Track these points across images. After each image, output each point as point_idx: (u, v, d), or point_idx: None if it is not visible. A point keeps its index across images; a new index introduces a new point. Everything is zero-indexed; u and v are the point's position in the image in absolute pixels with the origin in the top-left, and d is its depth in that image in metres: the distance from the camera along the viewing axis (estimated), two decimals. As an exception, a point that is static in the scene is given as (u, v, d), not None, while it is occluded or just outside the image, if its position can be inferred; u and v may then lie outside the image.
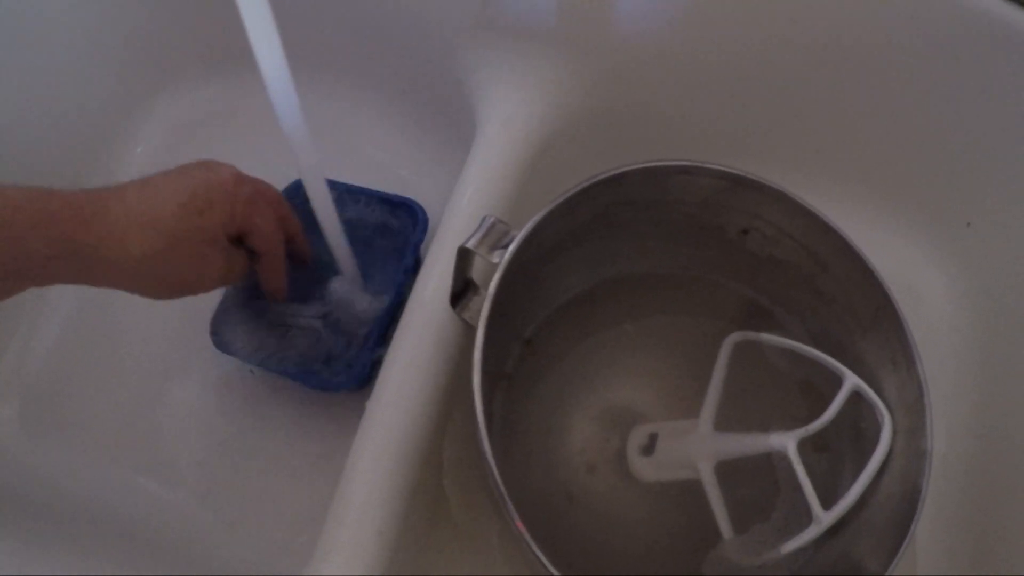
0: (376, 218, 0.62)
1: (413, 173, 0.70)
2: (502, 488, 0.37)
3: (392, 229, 0.62)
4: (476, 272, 0.48)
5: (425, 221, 0.61)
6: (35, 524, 0.60)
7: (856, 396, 0.49)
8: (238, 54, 0.75)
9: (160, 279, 0.49)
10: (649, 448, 0.52)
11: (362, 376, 0.57)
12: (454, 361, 0.50)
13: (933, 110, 0.59)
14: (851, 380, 0.49)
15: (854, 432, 0.50)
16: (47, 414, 0.66)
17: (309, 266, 0.60)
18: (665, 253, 0.53)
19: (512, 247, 0.42)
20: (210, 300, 0.62)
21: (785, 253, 0.50)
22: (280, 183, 0.71)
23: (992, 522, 0.55)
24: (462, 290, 0.49)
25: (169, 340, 0.67)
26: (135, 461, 0.64)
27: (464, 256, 0.45)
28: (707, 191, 0.48)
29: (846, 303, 0.50)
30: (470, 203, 0.52)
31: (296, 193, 0.65)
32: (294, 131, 0.45)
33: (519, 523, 0.36)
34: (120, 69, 0.74)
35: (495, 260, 0.43)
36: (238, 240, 0.53)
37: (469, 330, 0.50)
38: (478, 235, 0.44)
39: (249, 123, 0.76)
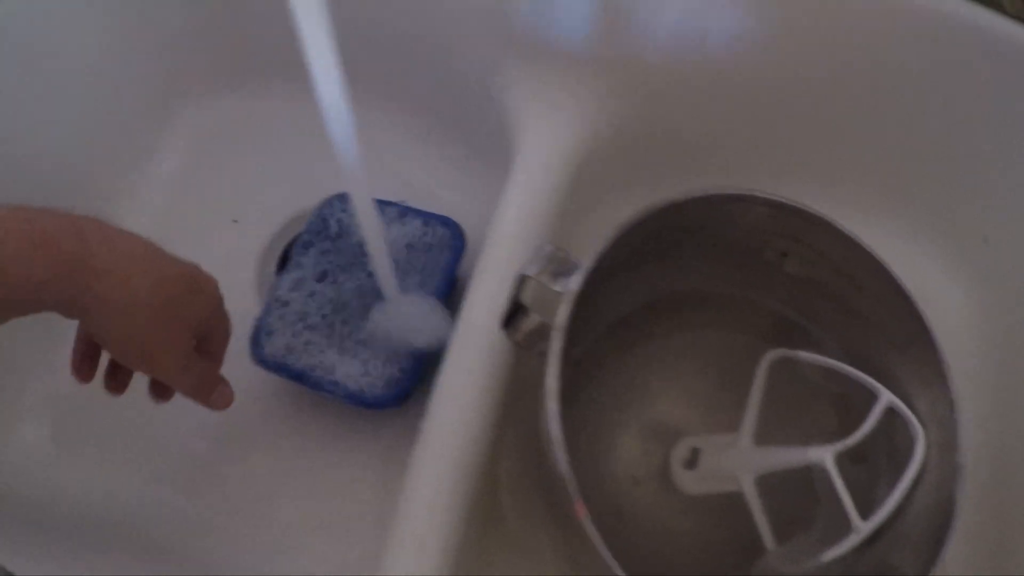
0: (412, 234, 0.63)
1: (446, 190, 0.71)
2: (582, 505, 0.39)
3: (428, 247, 0.63)
4: (526, 295, 0.49)
5: (463, 240, 0.62)
6: (74, 537, 0.61)
7: (890, 411, 0.51)
8: (262, 67, 0.77)
9: (138, 333, 0.47)
10: (692, 462, 0.54)
11: (402, 394, 0.58)
12: (505, 380, 0.51)
13: (950, 128, 0.61)
14: (886, 397, 0.51)
15: (889, 445, 0.52)
16: (79, 432, 0.66)
17: (350, 284, 0.61)
18: (706, 273, 0.55)
19: (580, 278, 0.43)
20: (247, 315, 0.63)
21: (822, 274, 0.52)
22: (306, 196, 0.73)
23: (1009, 531, 0.57)
24: (513, 313, 0.50)
25: None
26: (166, 477, 0.65)
27: (521, 282, 0.47)
28: (753, 216, 0.50)
29: (880, 322, 0.52)
30: (514, 225, 0.54)
31: (331, 208, 0.67)
32: (347, 155, 0.46)
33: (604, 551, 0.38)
34: (144, 81, 0.75)
35: (557, 288, 0.44)
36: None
37: (519, 351, 0.51)
38: (538, 263, 0.45)
39: (274, 136, 0.77)
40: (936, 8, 0.55)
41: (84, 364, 0.53)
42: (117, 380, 0.55)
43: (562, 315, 0.42)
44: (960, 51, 0.57)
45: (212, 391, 0.55)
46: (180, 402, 0.66)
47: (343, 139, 0.45)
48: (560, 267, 0.45)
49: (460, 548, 0.48)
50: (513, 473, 0.54)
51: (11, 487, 0.63)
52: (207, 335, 0.53)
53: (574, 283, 0.43)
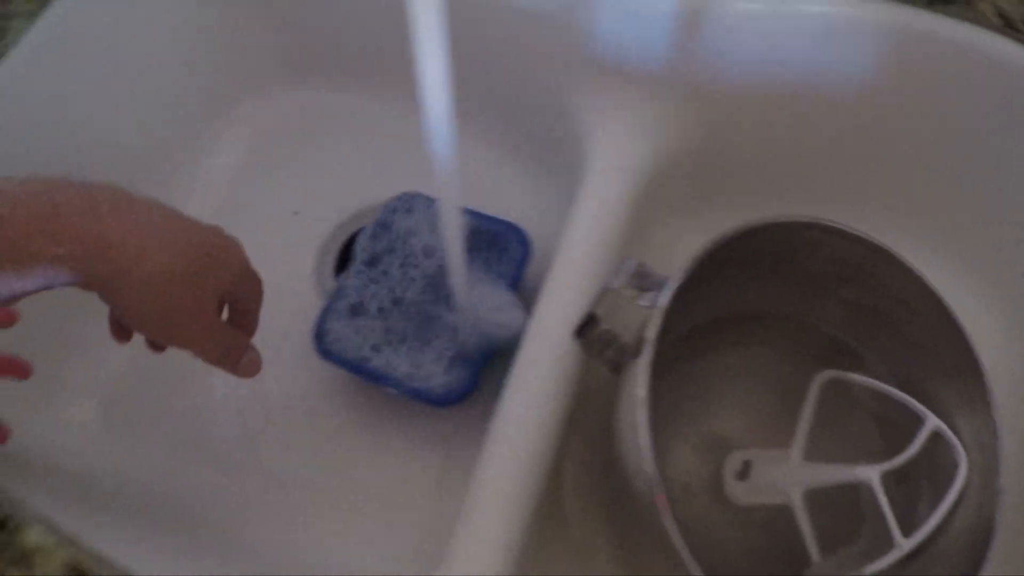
0: (479, 238, 0.65)
1: (514, 197, 0.72)
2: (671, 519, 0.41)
3: (495, 251, 0.64)
4: (603, 306, 0.51)
5: (529, 247, 0.64)
6: (117, 512, 0.61)
7: (934, 435, 0.54)
8: (329, 62, 0.78)
9: (159, 305, 0.46)
10: (744, 473, 0.56)
11: (463, 393, 0.60)
12: (573, 387, 0.53)
13: (993, 168, 0.64)
14: (932, 422, 0.53)
15: (931, 467, 0.55)
16: (127, 411, 0.67)
17: (415, 283, 0.62)
18: (767, 294, 0.57)
19: (669, 294, 0.45)
20: (306, 305, 0.64)
21: (878, 301, 0.55)
22: (368, 192, 0.74)
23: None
24: (586, 322, 0.52)
25: (264, 342, 0.68)
26: (212, 459, 0.66)
27: (602, 293, 0.49)
28: (819, 243, 0.52)
29: (930, 350, 0.54)
30: (584, 237, 0.56)
31: (398, 206, 0.68)
32: (444, 159, 0.47)
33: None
34: (211, 73, 0.76)
35: (643, 303, 0.46)
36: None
37: (588, 359, 0.53)
38: (623, 277, 0.47)
39: (337, 132, 0.78)
40: (999, 57, 0.57)
41: (118, 325, 0.52)
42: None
43: (652, 329, 0.44)
44: (993, 98, 0.59)
45: (239, 359, 0.53)
46: (231, 386, 0.68)
47: (442, 143, 0.46)
48: (643, 281, 0.47)
49: (523, 548, 0.50)
50: (577, 477, 0.56)
51: (59, 463, 0.64)
52: (237, 299, 0.53)
53: (664, 298, 0.45)
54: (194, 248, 0.46)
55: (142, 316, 0.47)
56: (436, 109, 0.44)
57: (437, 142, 0.46)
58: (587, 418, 0.58)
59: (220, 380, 0.67)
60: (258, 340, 0.66)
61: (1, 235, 0.39)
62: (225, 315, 0.54)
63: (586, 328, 0.52)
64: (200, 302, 0.48)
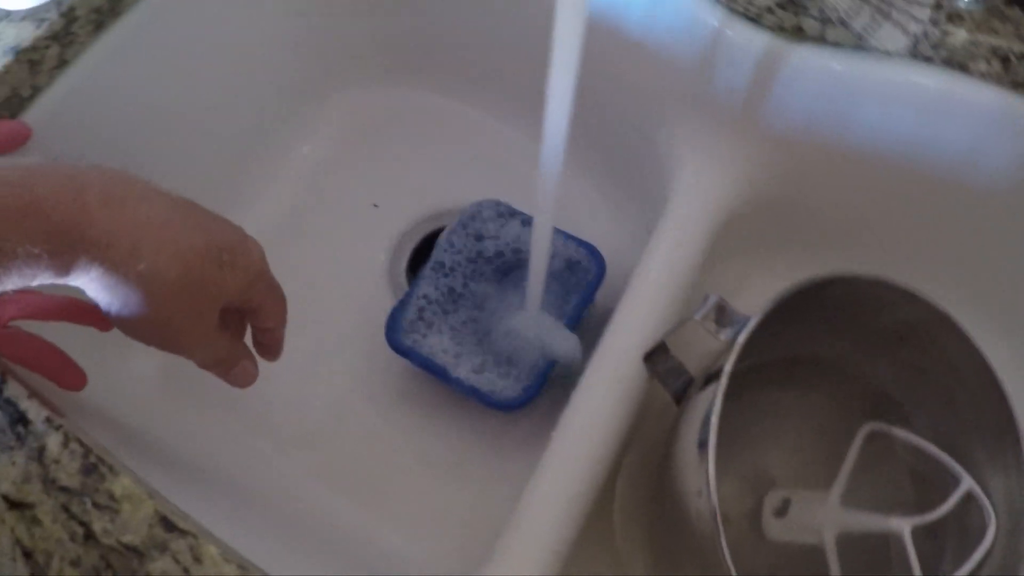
0: (559, 255, 0.67)
1: (594, 219, 0.75)
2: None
3: (573, 269, 0.67)
4: (678, 336, 0.54)
5: (604, 269, 0.66)
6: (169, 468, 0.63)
7: (967, 495, 0.56)
8: (425, 62, 0.80)
9: (148, 311, 0.41)
10: (782, 510, 0.59)
11: (527, 400, 0.63)
12: (634, 407, 0.56)
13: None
14: (967, 483, 0.56)
15: (959, 525, 0.57)
16: (188, 371, 0.69)
17: (489, 288, 0.65)
18: (826, 342, 0.59)
19: (747, 331, 0.47)
20: (376, 295, 0.65)
21: (932, 363, 0.57)
22: (448, 194, 0.77)
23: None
24: (656, 348, 0.55)
25: (333, 329, 0.71)
26: (268, 432, 0.68)
27: (680, 324, 0.51)
28: (885, 301, 0.55)
29: (974, 413, 0.57)
30: (661, 267, 0.58)
31: (481, 212, 0.71)
32: (549, 177, 0.50)
33: None
34: (308, 63, 0.78)
35: (722, 337, 0.49)
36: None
37: (651, 384, 0.56)
38: (705, 310, 0.50)
39: (425, 131, 0.80)
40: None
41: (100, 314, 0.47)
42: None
43: (730, 362, 0.47)
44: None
45: (232, 368, 0.49)
46: (297, 367, 0.69)
47: (551, 162, 0.48)
48: (723, 317, 0.50)
49: (568, 558, 0.52)
50: (626, 493, 0.59)
51: (120, 413, 0.66)
52: (252, 311, 0.49)
53: (744, 335, 0.47)
54: (196, 252, 0.42)
55: (130, 320, 0.42)
56: (554, 132, 0.46)
57: (546, 161, 0.48)
58: (643, 439, 0.60)
59: (286, 361, 0.69)
60: (327, 326, 0.69)
61: None
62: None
63: (656, 354, 0.55)
64: (195, 311, 0.43)
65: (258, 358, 0.52)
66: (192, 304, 0.43)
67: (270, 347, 0.52)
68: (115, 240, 0.38)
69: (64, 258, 0.38)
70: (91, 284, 0.40)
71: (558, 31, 0.43)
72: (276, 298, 0.49)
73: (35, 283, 0.38)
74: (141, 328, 0.43)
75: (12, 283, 0.37)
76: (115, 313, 0.42)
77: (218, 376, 0.49)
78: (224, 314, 0.47)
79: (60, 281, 0.39)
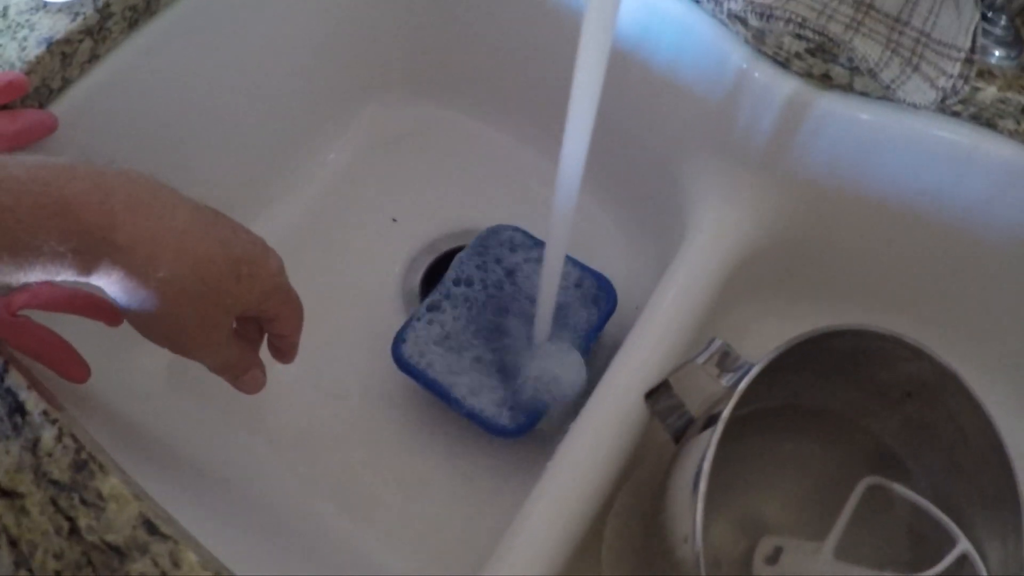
0: (569, 284, 0.67)
1: (608, 250, 0.75)
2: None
3: (583, 299, 0.67)
4: (680, 376, 0.53)
5: (615, 302, 0.66)
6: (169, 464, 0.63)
7: (962, 556, 0.56)
8: (449, 82, 0.80)
9: (164, 316, 0.43)
10: (773, 558, 0.58)
11: (526, 428, 0.62)
12: (631, 444, 0.56)
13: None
14: (963, 545, 0.55)
15: (952, 585, 0.57)
16: (196, 372, 0.70)
17: (499, 314, 0.65)
18: (830, 392, 0.59)
19: (749, 378, 0.47)
20: (388, 309, 0.65)
21: (936, 420, 0.57)
22: (467, 214, 0.77)
23: None
24: (658, 387, 0.55)
25: (343, 339, 0.71)
26: (269, 434, 0.68)
27: (683, 365, 0.51)
28: (893, 356, 0.54)
29: (975, 476, 0.56)
30: (671, 306, 0.58)
31: (497, 235, 0.71)
32: (563, 209, 0.50)
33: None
34: (335, 73, 0.79)
35: (724, 383, 0.48)
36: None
37: (651, 421, 0.56)
38: (708, 354, 0.50)
39: (449, 149, 0.81)
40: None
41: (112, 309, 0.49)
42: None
43: (728, 408, 0.46)
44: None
45: (241, 375, 0.51)
46: (303, 374, 0.70)
47: (566, 192, 0.48)
48: (726, 362, 0.49)
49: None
50: (617, 531, 0.58)
51: (123, 406, 0.66)
52: (268, 320, 0.50)
53: (745, 382, 0.47)
54: (214, 262, 0.43)
55: (144, 321, 0.44)
56: (571, 163, 0.46)
57: (562, 191, 0.48)
58: (639, 476, 0.60)
59: (293, 368, 0.70)
60: (336, 335, 0.69)
61: (2, 225, 0.36)
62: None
63: (658, 392, 0.55)
64: (209, 320, 0.45)
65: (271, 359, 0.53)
66: (207, 313, 0.44)
67: (285, 352, 0.54)
68: (137, 246, 0.40)
69: (87, 258, 0.39)
70: (111, 285, 0.41)
71: (581, 62, 0.43)
72: (292, 308, 0.50)
73: (57, 279, 0.39)
74: (155, 330, 0.44)
75: (35, 276, 0.39)
76: (131, 314, 0.43)
77: (227, 381, 0.51)
78: (241, 322, 0.49)
79: (82, 279, 0.40)
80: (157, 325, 0.44)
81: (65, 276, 0.39)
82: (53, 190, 0.37)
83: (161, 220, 0.41)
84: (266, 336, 0.54)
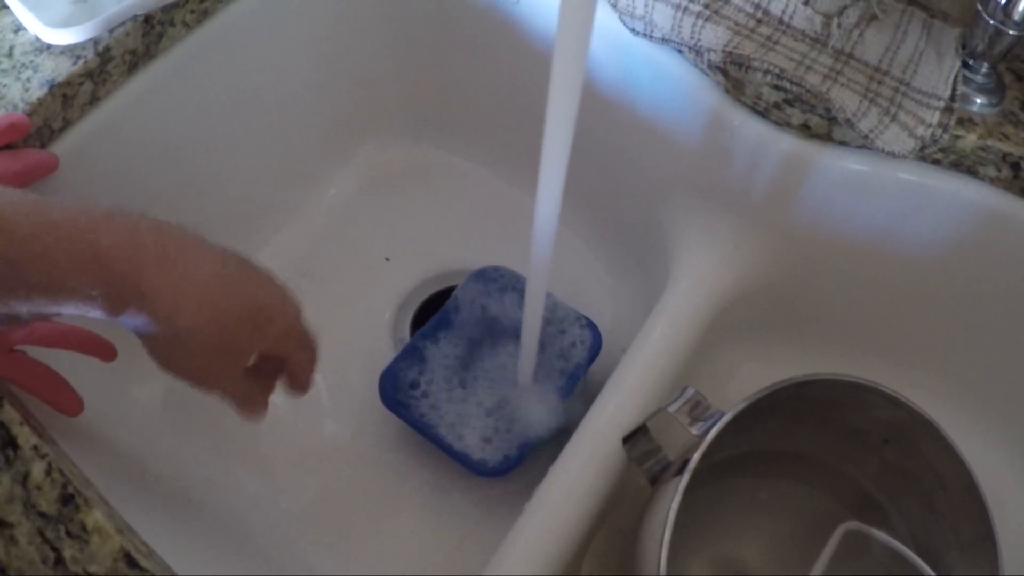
0: (554, 326, 0.68)
1: (593, 290, 0.76)
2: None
3: (568, 342, 0.68)
4: (656, 422, 0.54)
5: (600, 345, 0.67)
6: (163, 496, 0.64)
7: (938, 602, 0.56)
8: (446, 125, 0.82)
9: (185, 357, 0.46)
10: (749, 601, 0.59)
11: (507, 468, 0.63)
12: (609, 487, 0.56)
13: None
14: (940, 592, 0.56)
15: (927, 633, 0.57)
16: (188, 402, 0.71)
17: (486, 355, 0.66)
18: (809, 439, 0.60)
19: (717, 428, 0.48)
20: (377, 346, 0.66)
21: (914, 467, 0.57)
22: (460, 254, 0.78)
23: None
24: (635, 432, 0.55)
25: (332, 377, 0.72)
26: (261, 472, 0.69)
27: (657, 412, 0.52)
28: (870, 404, 0.55)
29: (953, 522, 0.57)
30: (654, 351, 0.59)
31: (482, 278, 0.72)
32: (541, 251, 0.51)
33: None
34: (335, 111, 0.80)
35: (695, 432, 0.49)
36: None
37: (628, 465, 0.56)
38: (680, 403, 0.51)
39: (443, 191, 0.82)
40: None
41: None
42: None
43: (695, 457, 0.47)
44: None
45: (244, 407, 0.53)
46: (293, 411, 0.71)
47: (544, 233, 0.49)
48: (697, 411, 0.50)
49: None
50: (593, 568, 0.59)
51: (117, 437, 0.67)
52: (284, 359, 0.52)
53: (713, 433, 0.48)
54: (233, 314, 0.46)
55: (167, 358, 0.47)
56: (546, 204, 0.47)
57: (540, 232, 0.49)
58: (616, 519, 0.61)
59: (284, 403, 0.71)
60: (326, 371, 0.70)
61: (40, 267, 0.39)
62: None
63: (635, 437, 0.56)
64: (225, 363, 0.48)
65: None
66: (223, 358, 0.47)
67: (299, 386, 0.56)
68: (161, 296, 0.43)
69: (116, 302, 0.42)
70: (137, 327, 0.44)
71: (552, 106, 0.44)
72: (306, 350, 0.53)
73: (88, 316, 0.42)
74: (173, 365, 0.47)
75: (68, 312, 0.42)
76: (152, 350, 0.46)
77: (229, 406, 0.52)
78: (260, 358, 0.51)
79: (109, 319, 0.43)
80: (176, 362, 0.47)
81: (95, 315, 0.42)
82: (90, 238, 0.40)
83: (186, 272, 0.44)
84: None
